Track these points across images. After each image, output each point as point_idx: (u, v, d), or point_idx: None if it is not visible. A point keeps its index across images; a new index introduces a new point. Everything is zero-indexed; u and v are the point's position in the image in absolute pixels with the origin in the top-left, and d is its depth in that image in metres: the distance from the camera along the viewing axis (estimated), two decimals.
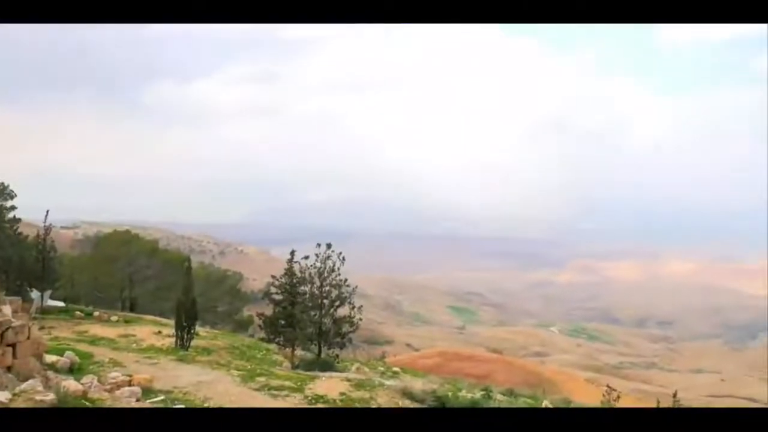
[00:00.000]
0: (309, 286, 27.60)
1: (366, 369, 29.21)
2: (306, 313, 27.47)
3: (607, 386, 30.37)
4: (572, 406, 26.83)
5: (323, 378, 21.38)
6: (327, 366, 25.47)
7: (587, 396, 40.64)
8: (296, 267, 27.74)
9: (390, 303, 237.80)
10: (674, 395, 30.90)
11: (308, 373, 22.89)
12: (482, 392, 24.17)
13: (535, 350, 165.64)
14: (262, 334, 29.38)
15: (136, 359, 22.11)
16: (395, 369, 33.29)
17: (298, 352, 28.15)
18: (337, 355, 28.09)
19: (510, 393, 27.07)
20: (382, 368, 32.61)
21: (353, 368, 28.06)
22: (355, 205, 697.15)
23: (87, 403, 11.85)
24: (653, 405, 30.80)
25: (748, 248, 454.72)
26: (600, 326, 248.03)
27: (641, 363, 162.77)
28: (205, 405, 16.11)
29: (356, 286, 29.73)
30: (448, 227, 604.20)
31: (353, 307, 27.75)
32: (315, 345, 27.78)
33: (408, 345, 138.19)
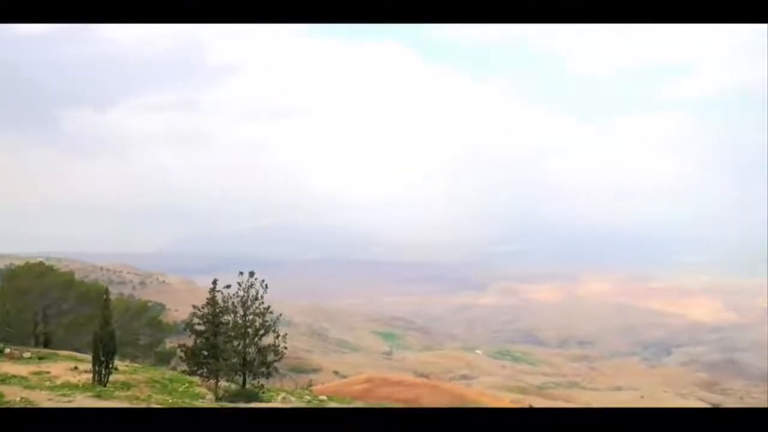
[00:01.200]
0: (232, 315, 27.19)
1: (292, 398, 28.89)
2: (230, 343, 27.01)
3: (530, 406, 31.15)
4: None
5: None
6: (252, 397, 25.11)
7: None
8: (219, 296, 27.30)
9: (316, 330, 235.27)
10: None
11: (232, 405, 22.52)
12: None
13: (461, 373, 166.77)
14: (185, 367, 28.68)
15: (50, 397, 21.21)
16: (322, 397, 33.00)
17: (222, 383, 27.60)
18: (263, 386, 27.69)
19: None
20: (308, 397, 32.29)
21: (279, 398, 27.72)
22: (279, 232, 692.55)
23: None
24: None
25: (658, 268, 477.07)
26: (523, 348, 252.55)
27: (564, 382, 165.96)
28: None
29: (281, 314, 29.50)
30: (372, 253, 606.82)
31: (278, 336, 27.48)
32: (239, 376, 27.33)
33: (336, 372, 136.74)
